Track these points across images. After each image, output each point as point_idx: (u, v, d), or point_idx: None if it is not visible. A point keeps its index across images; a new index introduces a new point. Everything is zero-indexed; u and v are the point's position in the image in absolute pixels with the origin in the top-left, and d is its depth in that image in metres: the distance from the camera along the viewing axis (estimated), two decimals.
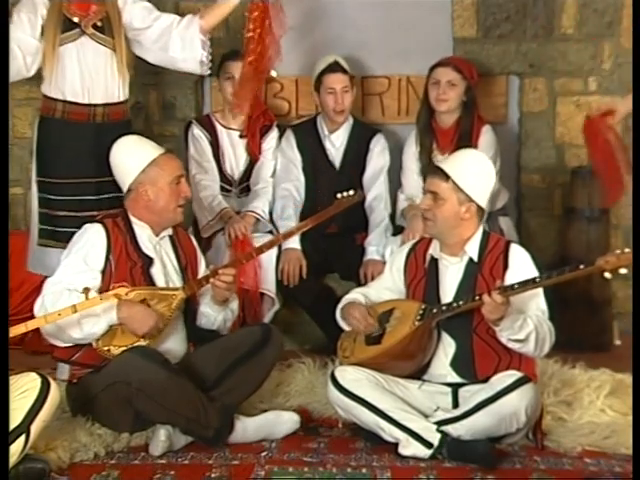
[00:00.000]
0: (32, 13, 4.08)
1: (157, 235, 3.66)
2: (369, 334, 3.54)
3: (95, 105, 4.17)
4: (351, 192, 3.91)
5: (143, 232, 3.63)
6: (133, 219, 3.64)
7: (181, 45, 4.21)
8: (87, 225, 3.62)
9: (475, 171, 3.50)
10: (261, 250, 3.87)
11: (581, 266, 3.20)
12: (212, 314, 3.70)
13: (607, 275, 3.14)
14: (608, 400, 3.73)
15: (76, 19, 4.11)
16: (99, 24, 4.13)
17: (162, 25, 4.20)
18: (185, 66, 4.29)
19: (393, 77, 5.02)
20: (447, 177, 3.45)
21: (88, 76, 4.14)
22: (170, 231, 3.71)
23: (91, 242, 3.55)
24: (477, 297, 3.33)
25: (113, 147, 3.75)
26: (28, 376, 3.11)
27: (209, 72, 4.34)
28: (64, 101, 4.18)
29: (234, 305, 3.78)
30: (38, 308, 3.45)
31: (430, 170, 3.57)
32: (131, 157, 3.68)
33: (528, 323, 3.28)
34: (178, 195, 3.65)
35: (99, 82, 4.16)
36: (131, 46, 4.26)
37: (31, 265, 4.27)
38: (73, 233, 3.67)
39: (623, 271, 3.10)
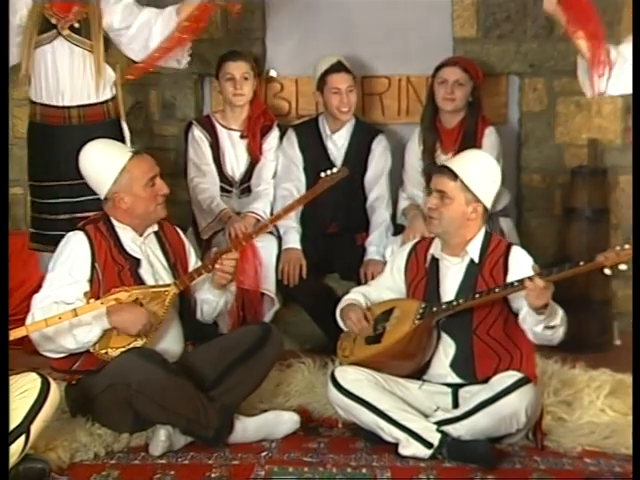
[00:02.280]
0: (11, 12, 4.07)
1: (141, 235, 3.62)
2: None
3: (69, 107, 4.18)
4: (335, 169, 3.90)
5: (127, 234, 3.59)
6: (115, 222, 3.59)
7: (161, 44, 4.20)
8: (69, 234, 3.57)
9: (483, 172, 3.50)
10: (250, 237, 3.85)
11: (581, 263, 3.20)
12: (214, 299, 3.68)
13: (607, 271, 3.14)
14: (608, 400, 3.73)
15: (54, 20, 4.12)
16: (76, 25, 4.13)
17: (140, 23, 4.20)
18: (164, 64, 4.31)
19: (393, 77, 5.02)
20: (455, 176, 3.45)
21: (62, 78, 4.16)
22: (155, 227, 3.67)
23: (74, 253, 3.50)
24: (477, 295, 3.35)
25: (80, 157, 3.64)
26: (28, 376, 3.11)
27: (187, 65, 4.35)
28: (41, 104, 4.20)
29: (232, 287, 3.76)
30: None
31: (437, 169, 3.56)
32: (100, 168, 3.57)
33: (557, 307, 3.26)
34: (156, 195, 3.58)
35: (73, 84, 4.16)
36: (116, 45, 4.26)
37: (41, 267, 4.32)
38: (59, 236, 3.65)
39: (623, 267, 3.09)
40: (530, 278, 3.17)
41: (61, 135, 4.16)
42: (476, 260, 3.48)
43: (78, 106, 4.18)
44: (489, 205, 3.51)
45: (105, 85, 4.22)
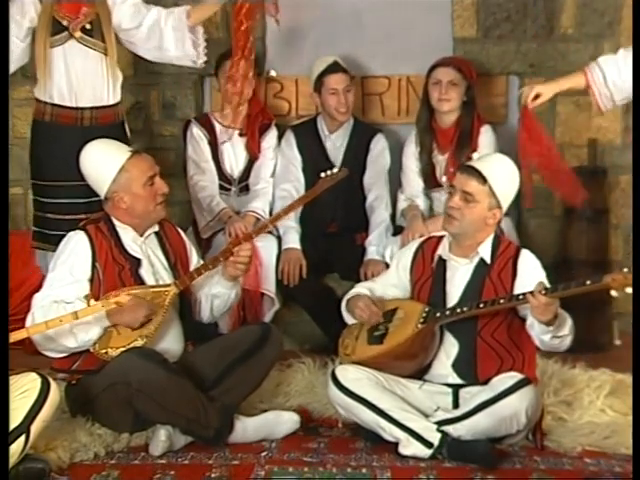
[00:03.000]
0: (19, 14, 4.08)
1: (142, 235, 3.62)
2: (371, 333, 3.54)
3: (82, 108, 4.18)
4: (334, 170, 3.89)
5: (127, 234, 3.59)
6: (116, 222, 3.59)
7: (174, 45, 4.26)
8: (70, 234, 3.58)
9: (509, 179, 3.52)
10: (250, 236, 3.85)
11: (588, 282, 3.16)
12: (225, 292, 3.67)
13: (614, 293, 3.09)
14: (608, 400, 3.73)
15: (65, 22, 4.12)
16: (88, 27, 4.14)
17: (150, 22, 4.22)
18: (180, 62, 4.38)
19: (393, 77, 5.02)
20: (484, 180, 3.44)
21: (75, 79, 4.16)
22: (156, 227, 3.67)
23: (75, 252, 3.51)
24: (481, 304, 3.34)
25: (80, 156, 3.67)
26: (28, 376, 3.11)
27: (204, 64, 4.41)
28: (52, 104, 4.20)
29: (240, 279, 3.76)
30: (29, 324, 3.41)
31: (465, 168, 3.53)
32: (99, 167, 3.59)
33: (566, 316, 3.27)
34: (155, 195, 3.58)
35: (87, 85, 4.17)
36: (125, 46, 4.28)
37: (38, 262, 4.31)
38: (63, 236, 3.65)
39: (629, 290, 3.03)
40: (533, 294, 3.17)
41: (72, 135, 4.15)
42: (488, 261, 3.48)
43: (91, 108, 4.19)
44: (504, 212, 3.53)
45: (116, 87, 4.24)
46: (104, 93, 4.20)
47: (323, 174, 3.86)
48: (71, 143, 4.13)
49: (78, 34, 4.13)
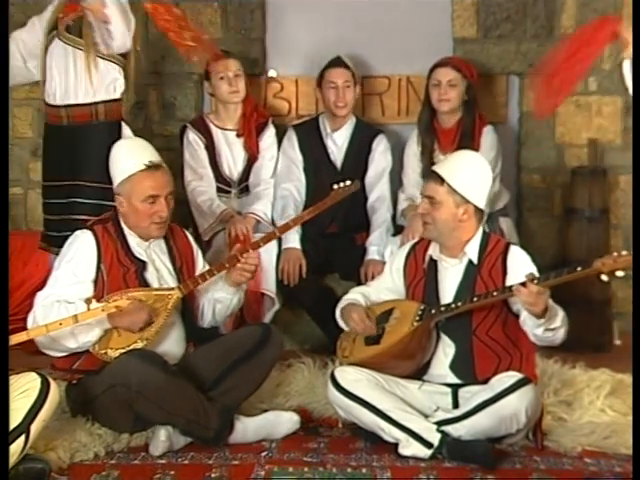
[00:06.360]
0: (38, 17, 4.08)
1: (146, 241, 3.61)
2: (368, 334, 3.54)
3: (60, 106, 4.17)
4: (348, 182, 3.89)
5: (134, 237, 3.59)
6: (123, 224, 3.59)
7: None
8: (77, 233, 3.57)
9: (470, 172, 3.49)
10: (258, 245, 3.82)
11: (578, 268, 3.18)
12: (228, 297, 3.67)
13: (604, 278, 3.11)
14: (608, 400, 3.73)
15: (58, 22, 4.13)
16: (70, 24, 4.12)
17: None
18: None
19: (393, 77, 5.02)
20: (442, 180, 3.45)
21: (57, 77, 4.15)
22: None
23: (80, 252, 3.50)
24: (475, 298, 3.35)
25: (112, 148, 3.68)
26: (28, 376, 3.11)
27: None
28: (45, 103, 4.21)
29: (244, 285, 3.77)
30: (31, 322, 3.42)
31: (426, 175, 3.58)
32: (116, 165, 3.60)
33: (557, 308, 3.26)
34: (152, 214, 3.52)
35: (63, 83, 4.15)
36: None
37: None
38: (59, 237, 3.64)
39: (620, 274, 3.07)
40: (524, 284, 3.17)
41: (57, 134, 4.18)
42: (475, 261, 3.48)
43: (66, 106, 4.17)
44: (482, 205, 3.51)
45: (98, 86, 4.15)
46: (78, 91, 4.14)
47: (336, 186, 3.86)
48: (59, 142, 4.15)
49: (62, 32, 4.12)
